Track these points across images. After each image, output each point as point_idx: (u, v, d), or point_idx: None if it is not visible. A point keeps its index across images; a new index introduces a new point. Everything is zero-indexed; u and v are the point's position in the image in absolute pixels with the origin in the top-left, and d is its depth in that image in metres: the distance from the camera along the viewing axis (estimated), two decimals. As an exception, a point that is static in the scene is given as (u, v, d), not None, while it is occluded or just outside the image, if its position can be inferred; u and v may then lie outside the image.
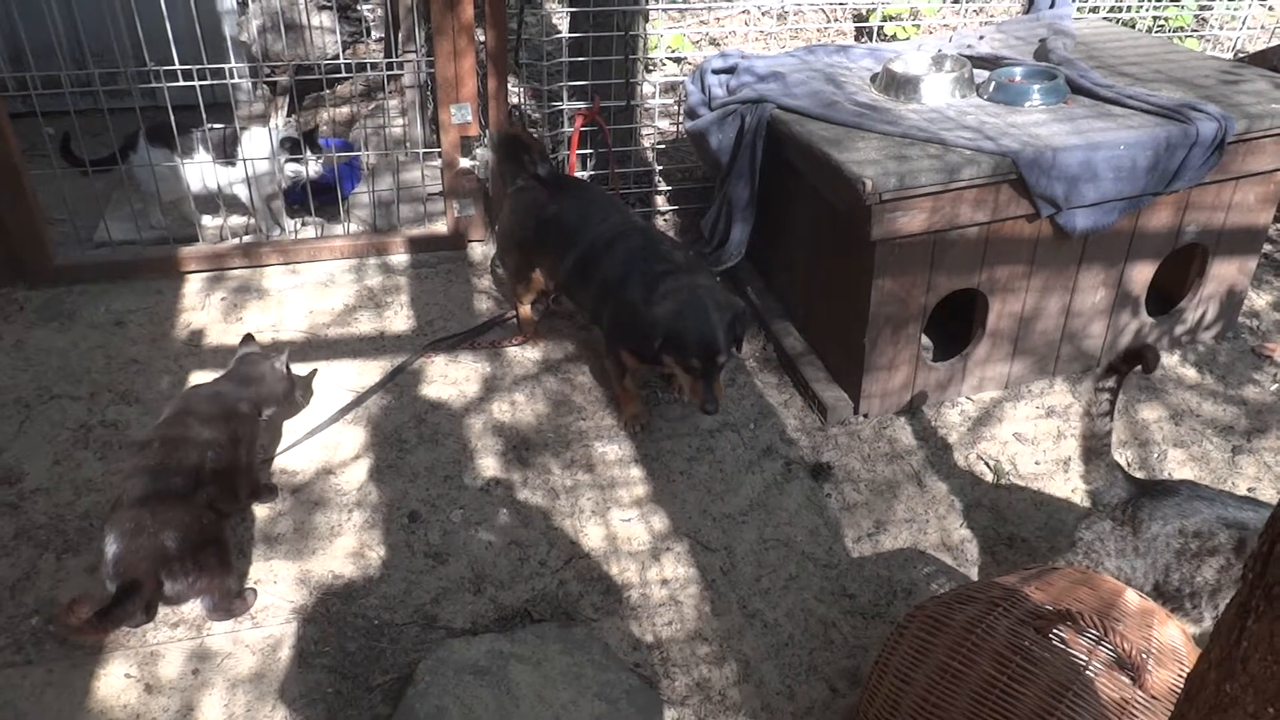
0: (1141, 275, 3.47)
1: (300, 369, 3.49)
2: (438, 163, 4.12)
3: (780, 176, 3.51)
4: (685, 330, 2.97)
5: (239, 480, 2.79)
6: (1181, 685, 2.03)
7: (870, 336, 3.19)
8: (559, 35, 4.13)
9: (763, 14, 5.81)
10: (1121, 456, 3.30)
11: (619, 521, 3.00)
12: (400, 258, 4.15)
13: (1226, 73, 3.55)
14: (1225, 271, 3.63)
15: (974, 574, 2.90)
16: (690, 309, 3.00)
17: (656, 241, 3.28)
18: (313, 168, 3.97)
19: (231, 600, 2.59)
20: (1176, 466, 3.28)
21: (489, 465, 3.16)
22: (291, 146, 3.91)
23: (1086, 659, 2.00)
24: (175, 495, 2.51)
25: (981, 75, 3.52)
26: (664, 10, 4.72)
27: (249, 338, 3.15)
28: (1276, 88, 3.38)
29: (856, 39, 5.75)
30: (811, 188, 3.31)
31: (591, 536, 2.94)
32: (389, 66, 4.72)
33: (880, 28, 5.45)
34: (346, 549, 2.86)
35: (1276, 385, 3.63)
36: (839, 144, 3.07)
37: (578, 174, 4.22)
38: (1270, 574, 1.19)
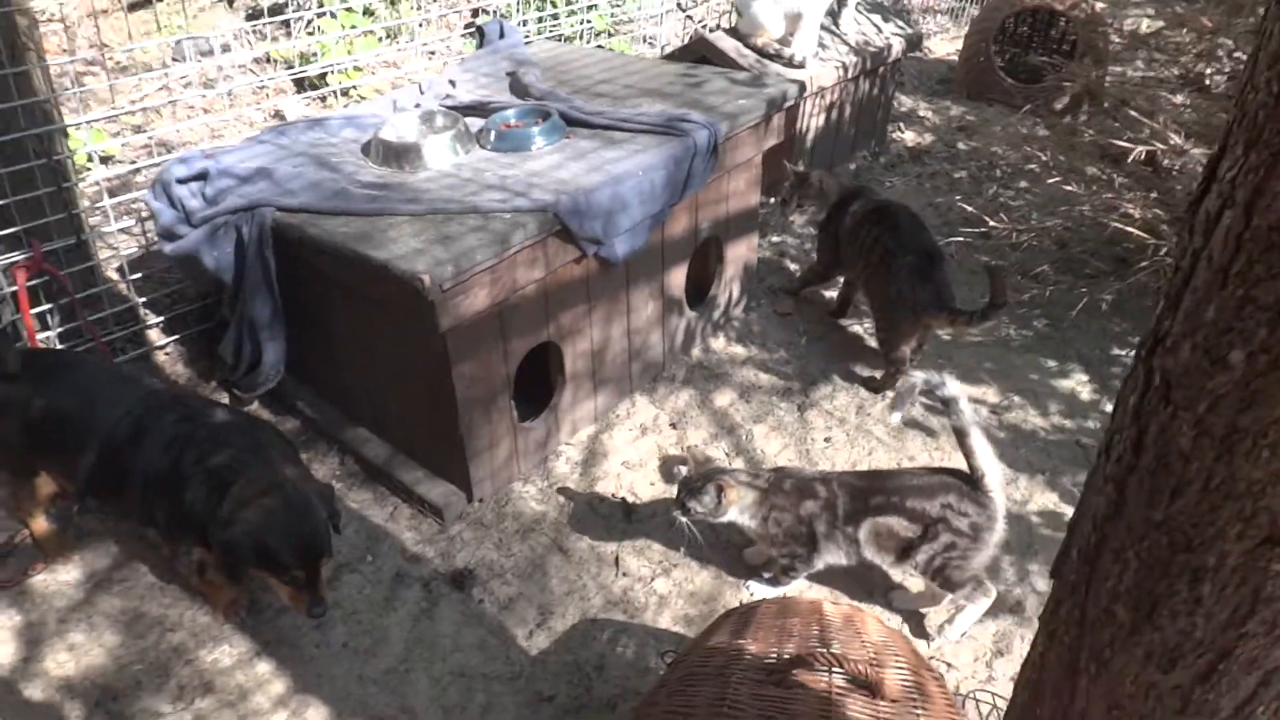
0: (677, 279, 3.63)
1: None
2: None
3: (305, 281, 3.14)
4: (280, 539, 2.43)
5: None
6: (906, 674, 2.14)
7: (465, 424, 2.98)
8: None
9: (185, 85, 5.20)
10: (718, 449, 3.46)
11: (272, 736, 2.53)
12: None
13: (686, 76, 3.79)
14: (737, 253, 3.93)
15: (649, 618, 2.86)
16: (280, 511, 2.45)
17: (197, 415, 2.71)
18: None
19: None
20: (763, 440, 3.50)
21: (78, 740, 2.50)
22: None
23: (829, 691, 2.02)
24: None
25: (475, 123, 3.42)
26: (72, 113, 4.00)
27: None
28: (732, 83, 3.68)
29: (298, 91, 5.38)
30: (346, 287, 3.00)
31: (248, 770, 2.45)
32: None
33: (323, 75, 5.11)
34: None
35: (804, 338, 4.02)
36: (370, 239, 2.78)
37: (39, 340, 3.46)
38: (1089, 640, 1.21)
